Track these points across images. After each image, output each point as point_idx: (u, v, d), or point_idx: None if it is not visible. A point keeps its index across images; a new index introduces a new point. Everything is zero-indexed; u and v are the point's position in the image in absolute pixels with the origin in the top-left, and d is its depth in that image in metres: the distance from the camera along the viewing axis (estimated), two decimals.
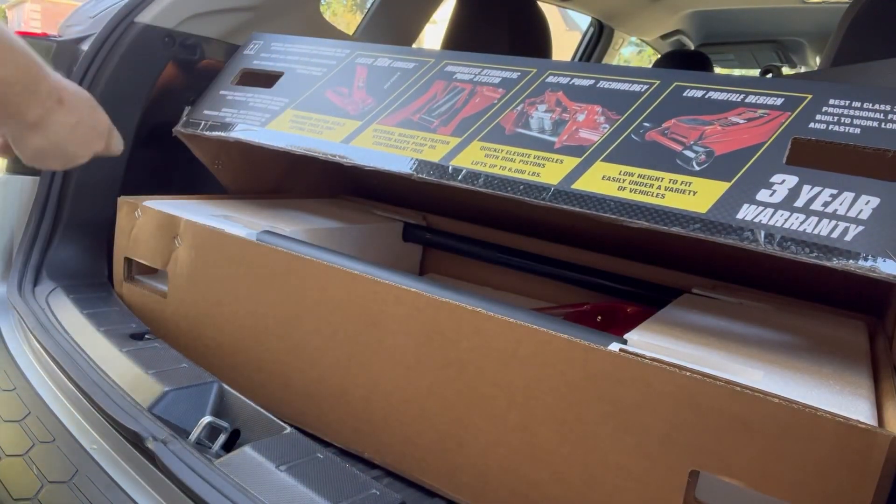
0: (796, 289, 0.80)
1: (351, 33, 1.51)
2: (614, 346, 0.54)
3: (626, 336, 0.58)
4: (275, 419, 0.64)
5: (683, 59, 2.20)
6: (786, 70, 2.42)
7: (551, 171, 0.66)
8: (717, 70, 2.54)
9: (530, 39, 1.59)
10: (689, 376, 0.49)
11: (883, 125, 0.55)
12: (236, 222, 0.85)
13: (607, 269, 0.93)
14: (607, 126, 0.68)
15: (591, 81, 0.74)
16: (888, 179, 0.52)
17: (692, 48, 2.51)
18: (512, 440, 0.60)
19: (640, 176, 0.62)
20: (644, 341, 0.57)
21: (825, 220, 0.51)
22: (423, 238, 1.11)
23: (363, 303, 0.69)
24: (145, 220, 0.88)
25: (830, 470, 0.44)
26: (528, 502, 0.59)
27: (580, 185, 0.64)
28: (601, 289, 0.93)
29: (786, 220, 0.53)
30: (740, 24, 2.42)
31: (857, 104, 0.57)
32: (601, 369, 0.54)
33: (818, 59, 2.31)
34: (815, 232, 0.51)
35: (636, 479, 0.53)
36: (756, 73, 2.54)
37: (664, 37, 2.50)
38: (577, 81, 0.75)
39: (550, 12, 1.79)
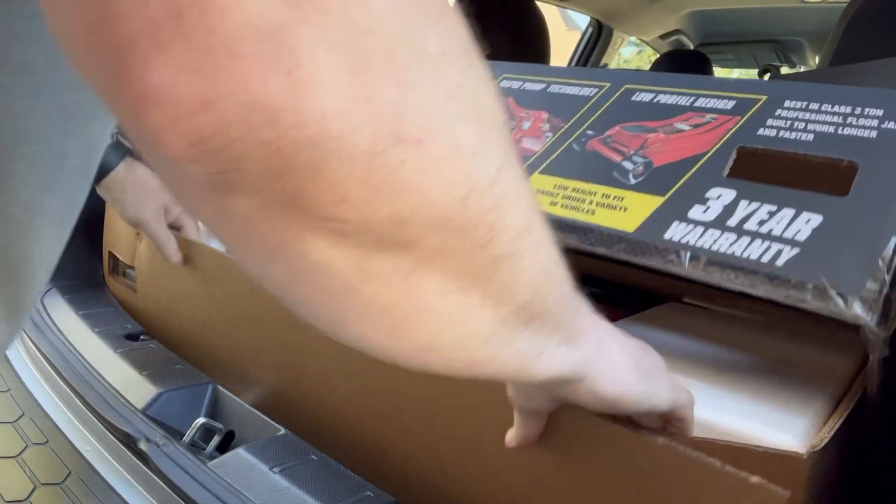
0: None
1: None
2: None
3: None
4: (269, 421, 0.64)
5: (682, 59, 2.19)
6: (785, 70, 2.41)
7: None
8: (717, 70, 2.53)
9: (529, 39, 1.58)
10: None
11: (840, 130, 0.50)
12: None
13: (611, 275, 0.90)
14: (550, 134, 0.62)
15: (543, 86, 0.68)
16: (837, 194, 0.46)
17: (692, 48, 2.51)
18: (423, 455, 0.56)
19: (573, 189, 0.56)
20: None
21: (757, 241, 0.45)
22: None
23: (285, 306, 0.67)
24: None
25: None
26: None
27: None
28: (595, 296, 0.90)
29: (715, 240, 0.47)
30: (740, 24, 2.42)
31: (815, 106, 0.52)
32: (495, 385, 0.48)
33: (818, 59, 2.31)
34: (744, 255, 0.45)
35: None
36: (755, 73, 2.54)
37: (664, 37, 2.49)
38: (528, 86, 0.69)
39: (550, 12, 1.78)
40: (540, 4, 1.69)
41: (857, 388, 0.51)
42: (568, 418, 0.46)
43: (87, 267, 0.97)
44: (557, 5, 2.12)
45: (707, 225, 0.48)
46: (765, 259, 0.44)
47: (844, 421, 0.43)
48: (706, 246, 0.47)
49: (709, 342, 0.61)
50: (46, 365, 0.74)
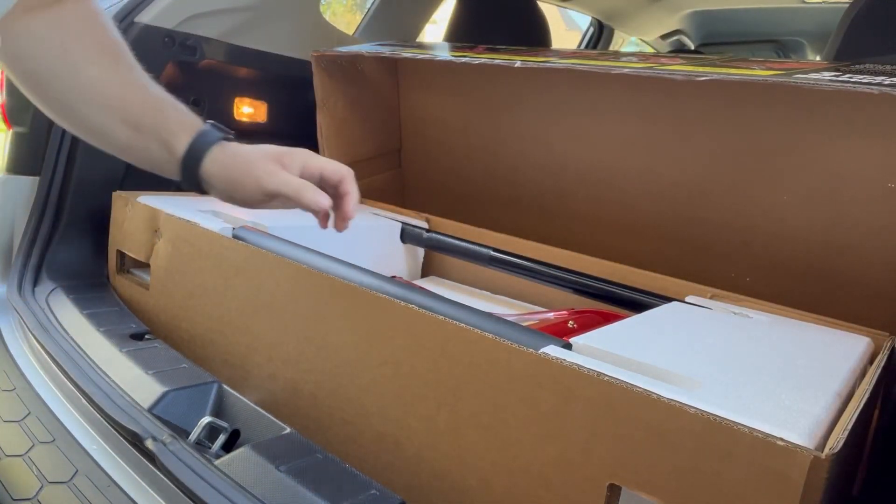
0: (821, 303, 0.75)
1: (351, 33, 1.51)
2: (549, 349, 0.51)
3: (572, 340, 0.54)
4: (274, 419, 0.64)
5: None
6: None
7: None
8: None
9: (530, 39, 1.59)
10: (605, 381, 0.46)
11: None
12: (219, 217, 0.85)
13: (615, 276, 0.90)
14: None
15: None
16: None
17: (692, 48, 2.51)
18: (442, 443, 0.57)
19: None
20: (590, 346, 0.54)
21: None
22: (420, 239, 1.09)
23: (309, 297, 0.68)
24: (134, 213, 0.89)
25: (748, 489, 0.40)
26: None
27: None
28: (601, 296, 0.90)
29: None
30: (740, 24, 2.42)
31: None
32: (523, 371, 0.51)
33: (818, 59, 2.32)
34: None
35: (556, 490, 0.50)
36: None
37: (664, 37, 2.50)
38: None
39: (550, 12, 1.79)
40: (541, 4, 1.69)
41: (865, 388, 0.51)
42: (593, 395, 0.47)
43: (91, 266, 0.97)
44: (558, 5, 2.12)
45: None
46: None
47: (855, 421, 0.44)
48: None
49: (712, 341, 0.61)
50: (52, 364, 0.74)
